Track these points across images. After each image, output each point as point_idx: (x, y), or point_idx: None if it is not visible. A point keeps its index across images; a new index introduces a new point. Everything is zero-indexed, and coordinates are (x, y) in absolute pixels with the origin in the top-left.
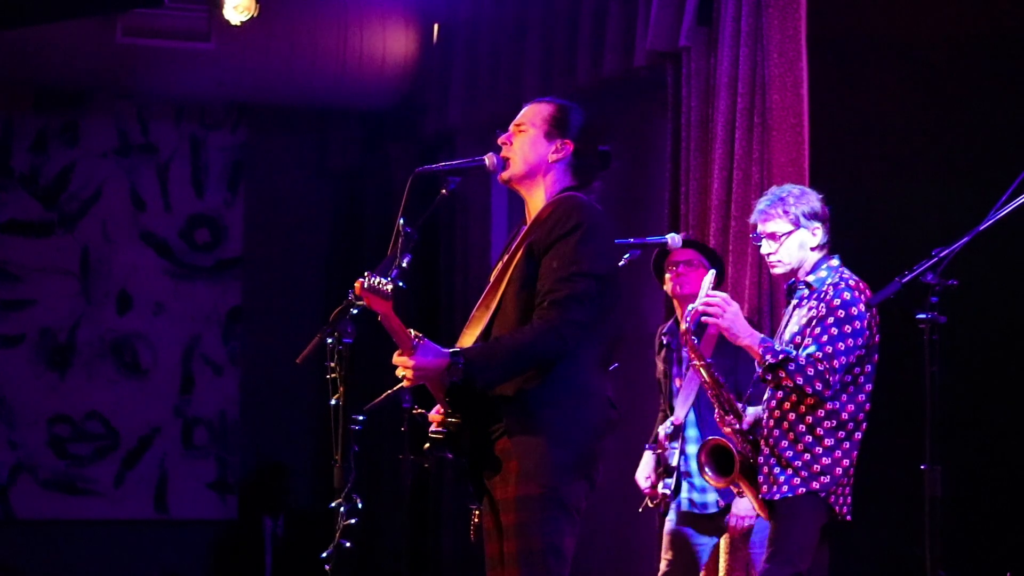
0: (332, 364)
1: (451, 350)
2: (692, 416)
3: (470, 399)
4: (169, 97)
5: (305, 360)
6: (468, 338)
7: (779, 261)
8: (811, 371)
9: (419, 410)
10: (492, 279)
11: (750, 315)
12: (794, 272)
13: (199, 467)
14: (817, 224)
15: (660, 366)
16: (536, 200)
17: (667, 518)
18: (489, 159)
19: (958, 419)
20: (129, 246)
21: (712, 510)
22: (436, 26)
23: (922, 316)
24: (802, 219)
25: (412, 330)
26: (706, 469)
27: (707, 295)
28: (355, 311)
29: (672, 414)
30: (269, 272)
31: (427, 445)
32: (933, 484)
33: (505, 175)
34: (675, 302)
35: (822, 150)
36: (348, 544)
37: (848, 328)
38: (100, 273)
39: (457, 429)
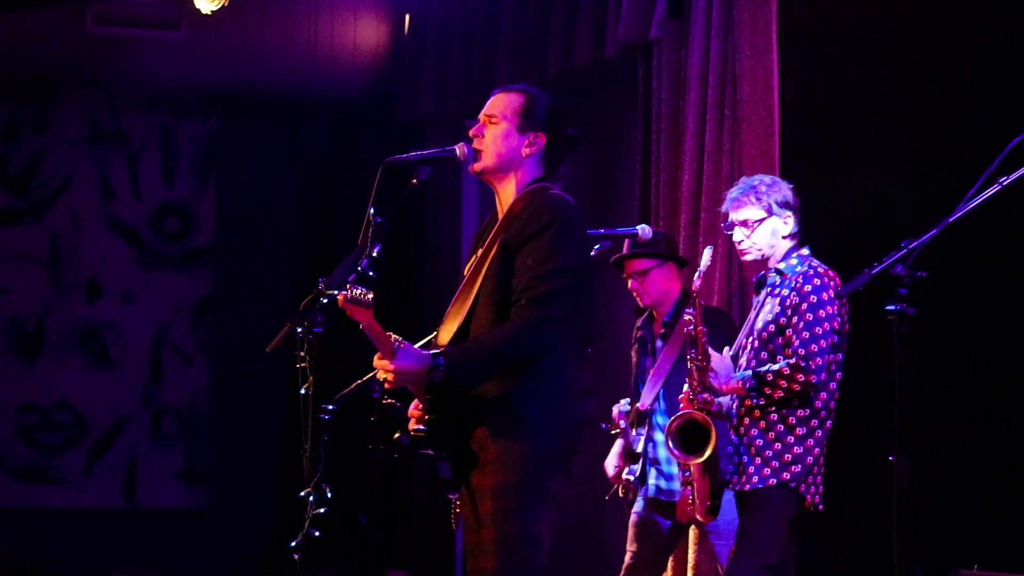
0: (302, 353)
1: (431, 352)
2: (662, 404)
3: (449, 396)
4: (140, 86)
5: (275, 349)
6: (445, 334)
7: (751, 248)
8: (787, 371)
9: (389, 400)
10: (467, 274)
11: (720, 305)
12: (765, 260)
13: (168, 456)
14: (789, 213)
15: (634, 358)
16: (507, 192)
17: (634, 507)
18: (460, 149)
19: (927, 410)
20: (99, 235)
21: (678, 498)
22: (407, 16)
23: (891, 308)
24: (775, 207)
25: (392, 334)
26: (670, 443)
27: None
28: (325, 301)
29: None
30: (239, 262)
31: (397, 435)
32: (901, 475)
33: (477, 167)
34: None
35: (792, 142)
36: (317, 533)
37: (822, 313)
38: (69, 261)
39: (437, 426)
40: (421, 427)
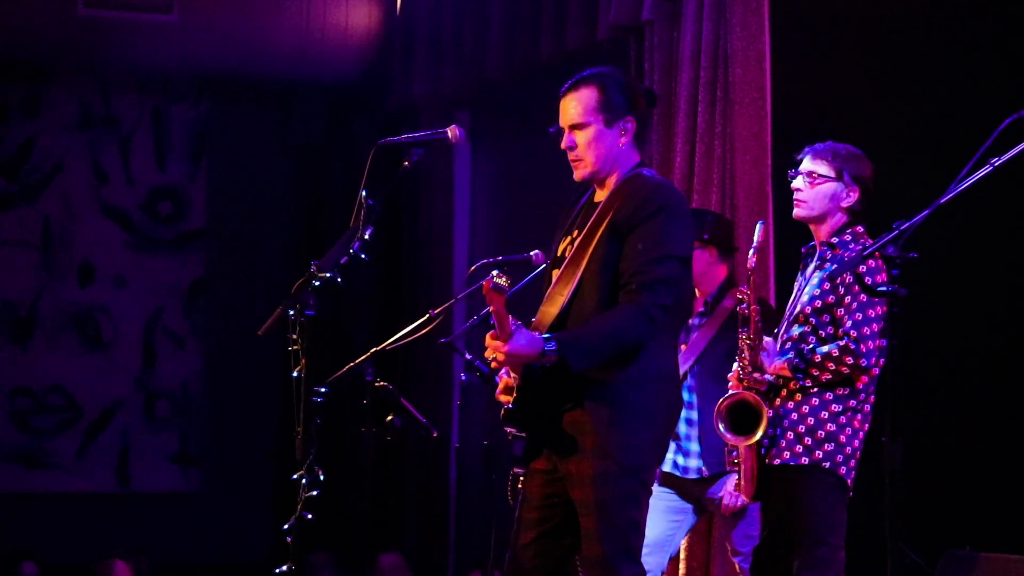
0: (294, 336)
1: (543, 336)
2: (690, 380)
3: (547, 377)
4: (131, 69)
5: (267, 332)
6: (546, 316)
7: (804, 202)
8: (836, 353)
9: (381, 383)
10: (568, 255)
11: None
12: (816, 226)
13: (161, 440)
14: (856, 188)
15: None
16: (609, 180)
17: None
18: (452, 131)
19: (919, 392)
20: (91, 219)
21: (692, 476)
22: None
23: (883, 289)
24: (845, 174)
25: (511, 316)
26: (720, 424)
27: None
28: (317, 283)
29: None
30: (232, 245)
31: (389, 417)
32: (893, 457)
33: (582, 176)
34: None
35: (784, 124)
36: (310, 516)
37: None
38: (62, 246)
39: (527, 405)
40: (511, 405)
